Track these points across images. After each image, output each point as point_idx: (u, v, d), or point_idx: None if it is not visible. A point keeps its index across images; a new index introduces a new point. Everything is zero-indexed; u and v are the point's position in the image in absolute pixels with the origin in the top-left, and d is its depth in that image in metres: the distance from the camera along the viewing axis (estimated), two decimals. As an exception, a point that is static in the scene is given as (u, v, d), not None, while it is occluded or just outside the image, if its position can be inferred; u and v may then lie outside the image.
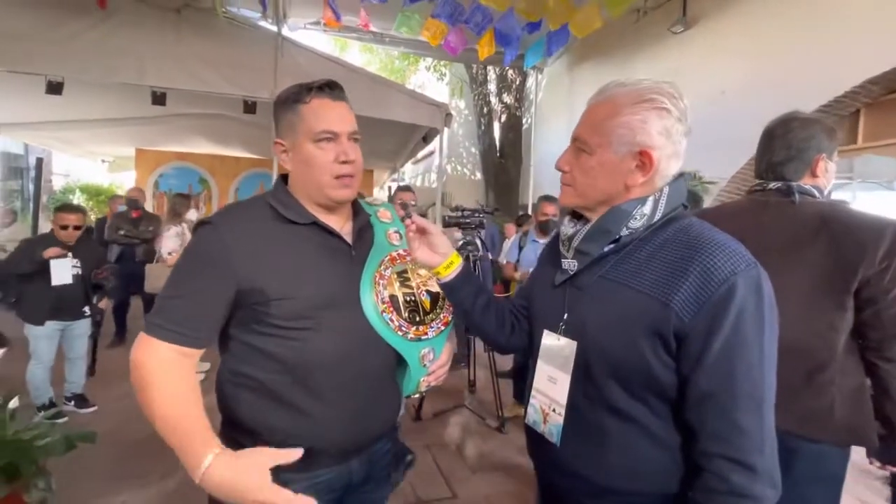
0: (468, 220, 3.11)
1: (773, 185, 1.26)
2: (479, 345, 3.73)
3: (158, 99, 4.52)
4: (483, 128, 8.65)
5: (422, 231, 0.93)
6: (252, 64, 4.50)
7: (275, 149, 0.96)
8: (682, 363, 0.69)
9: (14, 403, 1.74)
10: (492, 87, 8.67)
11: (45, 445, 1.72)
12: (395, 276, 0.99)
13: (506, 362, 3.66)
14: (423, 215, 5.94)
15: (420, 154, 8.06)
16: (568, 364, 0.78)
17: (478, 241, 3.25)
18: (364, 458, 0.97)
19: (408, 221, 0.93)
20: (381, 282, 0.96)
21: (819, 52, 3.63)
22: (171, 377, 0.80)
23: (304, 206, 0.94)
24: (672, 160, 0.75)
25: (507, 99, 8.48)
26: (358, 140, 0.95)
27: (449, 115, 5.47)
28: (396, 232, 1.08)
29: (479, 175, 9.21)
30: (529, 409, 0.87)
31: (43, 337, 2.80)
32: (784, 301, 1.17)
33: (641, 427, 0.73)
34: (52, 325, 2.83)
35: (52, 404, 2.84)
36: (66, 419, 2.76)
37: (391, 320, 0.94)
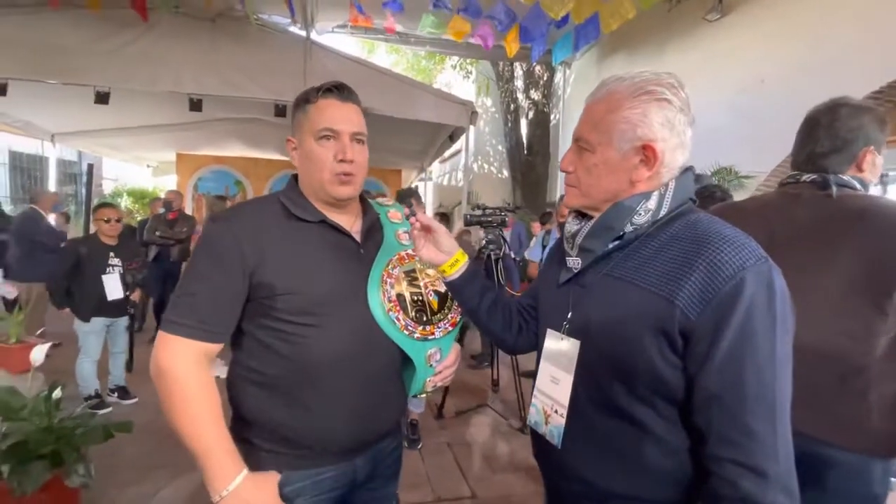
0: (489, 219, 3.08)
1: (806, 177, 1.17)
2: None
3: (195, 105, 4.74)
4: (510, 125, 8.56)
5: (426, 229, 0.94)
6: (282, 68, 4.63)
7: (287, 146, 0.98)
8: (689, 363, 0.65)
9: (58, 394, 1.86)
10: (519, 83, 8.56)
11: (85, 434, 1.83)
12: (403, 275, 1.00)
13: (529, 362, 3.61)
14: (447, 215, 5.94)
15: (447, 153, 8.07)
16: (571, 364, 0.76)
17: (501, 240, 3.22)
18: (369, 455, 0.98)
19: (412, 219, 0.94)
20: (389, 281, 0.96)
21: (866, 34, 3.38)
22: (197, 386, 0.82)
23: (314, 204, 0.95)
24: (677, 152, 0.73)
25: (535, 95, 8.35)
26: (362, 142, 0.96)
27: (474, 113, 5.45)
28: (406, 232, 1.08)
29: (506, 173, 9.13)
30: (532, 410, 0.85)
31: (90, 332, 3.00)
32: (813, 300, 1.11)
33: (646, 430, 0.70)
34: (98, 322, 3.02)
35: (97, 395, 3.03)
36: (110, 409, 2.95)
37: (397, 319, 0.94)
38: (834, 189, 1.11)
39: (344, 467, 0.95)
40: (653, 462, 0.70)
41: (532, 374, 0.88)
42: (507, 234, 4.27)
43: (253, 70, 4.61)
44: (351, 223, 0.99)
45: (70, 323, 3.02)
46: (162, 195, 9.12)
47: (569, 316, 0.79)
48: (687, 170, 0.76)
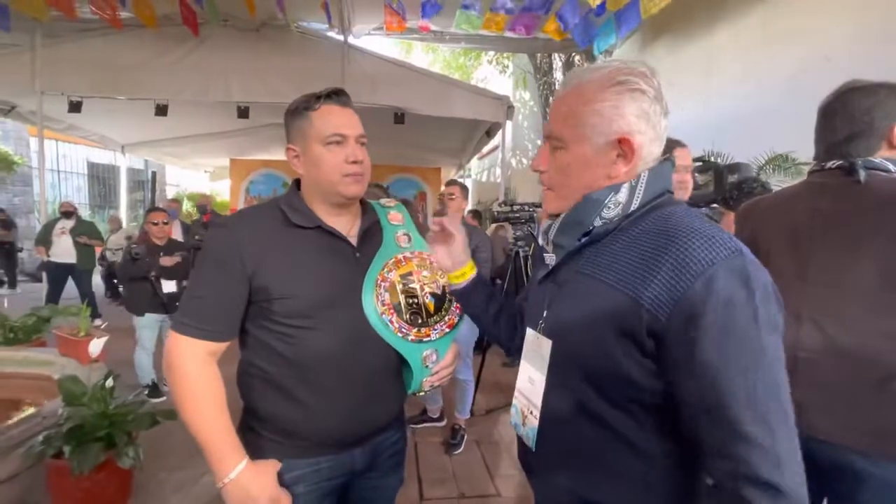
0: (517, 215, 3.04)
1: (832, 163, 1.07)
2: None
3: (242, 113, 5.03)
4: (548, 119, 8.35)
5: (446, 234, 0.95)
6: (322, 73, 4.80)
7: (287, 154, 1.01)
8: (666, 369, 0.60)
9: (110, 383, 2.04)
10: (557, 75, 8.33)
11: (135, 420, 2.00)
12: (399, 278, 1.01)
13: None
14: (480, 213, 5.88)
15: (485, 149, 8.01)
16: (544, 365, 0.74)
17: (532, 236, 3.17)
18: (367, 448, 1.02)
19: (435, 220, 0.96)
20: (384, 284, 0.98)
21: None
22: (204, 382, 0.89)
23: (314, 209, 0.99)
24: (654, 144, 0.68)
25: (575, 86, 8.09)
26: (364, 144, 0.99)
27: (511, 107, 5.38)
28: (405, 234, 1.10)
29: (546, 168, 8.93)
30: (512, 411, 0.83)
31: (145, 326, 3.26)
32: (845, 299, 1.02)
33: (618, 435, 0.66)
34: (151, 317, 3.28)
35: (154, 385, 3.30)
36: (164, 398, 3.19)
37: (391, 322, 0.96)
38: (862, 174, 1.01)
39: (342, 457, 0.99)
40: (628, 470, 0.66)
41: None
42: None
43: (295, 76, 4.81)
44: (349, 226, 1.02)
45: (129, 318, 3.30)
46: (218, 199, 9.75)
47: (544, 314, 0.76)
48: (665, 160, 0.71)
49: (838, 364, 1.03)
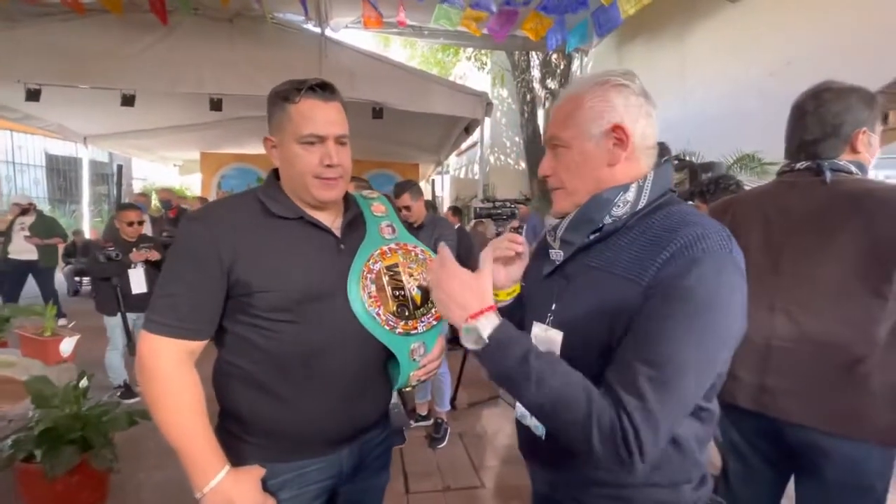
0: (499, 211, 3.07)
1: (800, 164, 1.15)
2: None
3: (215, 105, 4.88)
4: (526, 116, 8.46)
5: (518, 255, 0.92)
6: (299, 66, 4.69)
7: (265, 143, 0.95)
8: (631, 323, 0.65)
9: (84, 383, 1.97)
10: (535, 73, 8.44)
11: (111, 420, 1.94)
12: (385, 269, 0.98)
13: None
14: (459, 209, 5.91)
15: (464, 145, 8.06)
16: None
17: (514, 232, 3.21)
18: (354, 447, 0.98)
19: (517, 246, 0.91)
20: (370, 276, 0.95)
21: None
22: (180, 384, 0.83)
23: (294, 201, 0.94)
24: (647, 130, 0.74)
25: (552, 84, 8.22)
26: (346, 143, 0.94)
27: (489, 104, 5.42)
28: (389, 226, 1.06)
29: (522, 165, 9.05)
30: (518, 404, 0.86)
31: (117, 326, 3.14)
32: (813, 289, 1.09)
33: None
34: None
35: (126, 385, 3.19)
36: (137, 399, 3.09)
37: (378, 314, 0.93)
38: (828, 175, 1.09)
39: (329, 459, 0.94)
40: None
41: None
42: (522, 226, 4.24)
43: (271, 68, 4.69)
44: (332, 219, 0.98)
45: (99, 316, 3.17)
46: (188, 193, 9.44)
47: (553, 307, 0.80)
48: (665, 161, 0.77)
49: (808, 351, 1.10)
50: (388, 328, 0.93)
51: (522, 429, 0.86)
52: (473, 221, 5.64)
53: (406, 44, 10.70)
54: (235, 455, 0.86)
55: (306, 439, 0.91)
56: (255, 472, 0.87)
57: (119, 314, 3.08)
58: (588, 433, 0.61)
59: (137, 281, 3.11)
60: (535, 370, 0.65)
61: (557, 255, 0.81)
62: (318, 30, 5.11)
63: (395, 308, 0.95)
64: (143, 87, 4.59)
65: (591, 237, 0.76)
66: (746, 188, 2.06)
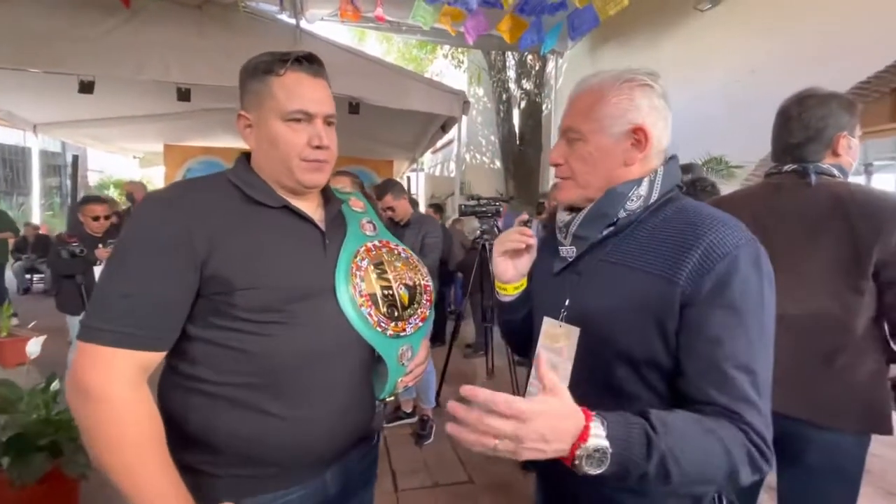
0: (484, 209, 3.10)
1: (788, 167, 1.22)
2: (497, 333, 3.74)
3: (183, 95, 4.66)
4: (502, 115, 8.54)
5: (527, 249, 0.92)
6: (272, 57, 4.55)
7: (238, 122, 0.85)
8: (682, 333, 0.68)
9: (56, 386, 1.85)
10: (511, 73, 8.54)
11: (84, 425, 1.83)
12: (373, 268, 0.90)
13: (524, 350, 3.66)
14: (441, 206, 5.91)
15: (439, 143, 8.04)
16: (570, 351, 0.78)
17: (496, 230, 3.24)
18: (339, 468, 0.87)
19: (528, 239, 0.90)
20: (359, 273, 0.87)
21: (856, 26, 3.43)
22: (137, 412, 0.68)
23: (272, 187, 0.84)
24: (664, 133, 0.76)
25: (527, 85, 8.34)
26: (333, 124, 0.86)
27: (466, 102, 5.43)
28: (370, 222, 0.99)
29: (498, 164, 9.14)
30: (528, 396, 0.87)
31: (81, 325, 2.96)
32: (800, 286, 1.16)
33: (643, 406, 0.71)
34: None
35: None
36: (104, 402, 2.93)
37: (370, 315, 0.85)
38: (813, 177, 1.16)
39: (314, 484, 0.83)
40: None
41: (525, 364, 0.89)
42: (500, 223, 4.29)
43: (242, 59, 4.40)
44: (312, 211, 0.88)
45: (54, 315, 2.99)
46: (150, 187, 8.97)
47: (566, 304, 0.80)
48: (672, 157, 0.79)
49: (792, 342, 1.17)
50: (379, 330, 0.86)
51: None
52: (452, 219, 5.65)
53: (382, 38, 10.58)
54: (199, 495, 0.71)
55: (297, 460, 0.80)
56: None
57: (84, 314, 2.89)
58: (734, 469, 0.62)
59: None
60: (664, 448, 0.57)
61: (570, 251, 0.81)
62: (292, 21, 4.98)
63: (385, 308, 0.88)
64: (103, 73, 4.32)
65: (605, 232, 0.77)
66: (722, 189, 2.17)
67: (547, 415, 0.56)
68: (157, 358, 0.73)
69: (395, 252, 0.97)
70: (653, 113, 0.74)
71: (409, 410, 2.95)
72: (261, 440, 0.76)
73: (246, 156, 0.89)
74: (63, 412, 1.85)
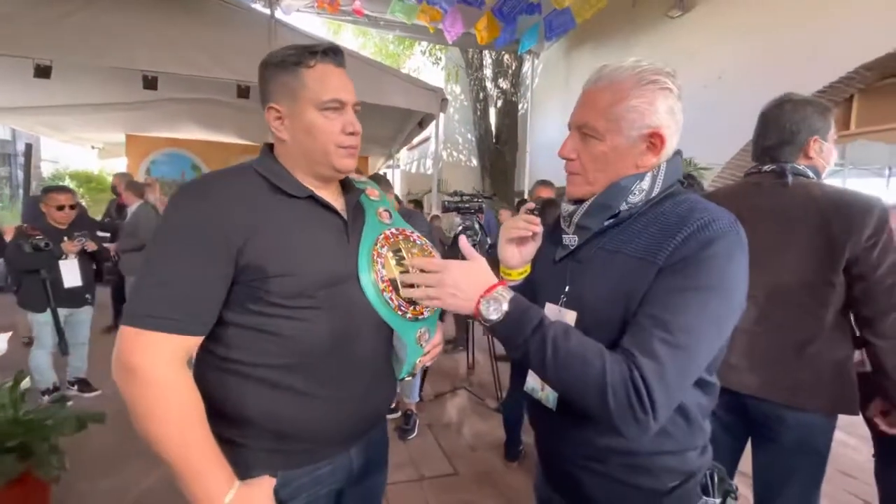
0: (467, 205, 3.13)
1: (767, 167, 1.29)
2: (478, 329, 3.79)
3: (150, 83, 4.43)
4: (479, 113, 8.60)
5: (532, 236, 0.94)
6: (245, 48, 4.41)
7: (268, 115, 0.87)
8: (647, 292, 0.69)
9: (26, 384, 1.76)
10: (488, 72, 8.60)
11: (57, 425, 1.74)
12: (392, 254, 0.96)
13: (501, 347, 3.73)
14: (419, 202, 5.90)
15: (415, 140, 8.02)
16: None
17: (476, 226, 3.28)
18: (362, 445, 0.95)
19: (535, 227, 0.93)
20: (380, 260, 0.92)
21: (815, 36, 3.66)
22: (181, 391, 0.74)
23: (297, 177, 0.88)
24: (675, 136, 0.78)
25: (503, 84, 8.42)
26: (358, 111, 0.91)
27: (445, 100, 5.43)
28: (386, 210, 1.04)
29: (474, 161, 9.20)
30: (528, 378, 0.89)
31: (46, 323, 2.80)
32: (775, 279, 1.24)
33: None
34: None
35: (55, 388, 2.86)
36: (70, 403, 2.78)
37: (391, 300, 0.90)
38: (790, 178, 1.24)
39: (340, 460, 0.91)
40: None
41: (506, 358, 0.91)
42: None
43: (213, 48, 4.37)
44: (333, 199, 0.93)
45: (16, 312, 2.82)
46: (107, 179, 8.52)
47: (566, 290, 0.83)
48: (676, 153, 0.81)
49: (767, 332, 1.25)
50: (399, 314, 0.92)
51: (533, 404, 0.89)
52: (430, 216, 5.66)
53: (359, 32, 10.43)
54: (238, 468, 0.78)
55: (326, 437, 0.86)
56: (266, 484, 0.80)
57: (48, 310, 2.74)
58: (602, 389, 0.64)
59: (70, 273, 2.79)
60: (551, 333, 0.69)
61: (572, 240, 0.84)
62: (266, 11, 4.85)
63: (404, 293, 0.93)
64: (60, 57, 4.07)
65: (607, 223, 0.79)
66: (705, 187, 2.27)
67: (461, 267, 0.76)
68: (196, 342, 0.78)
69: (411, 239, 1.02)
70: (669, 117, 0.74)
71: (392, 406, 2.95)
72: (294, 418, 0.82)
73: (269, 147, 0.92)
74: (32, 412, 1.76)
